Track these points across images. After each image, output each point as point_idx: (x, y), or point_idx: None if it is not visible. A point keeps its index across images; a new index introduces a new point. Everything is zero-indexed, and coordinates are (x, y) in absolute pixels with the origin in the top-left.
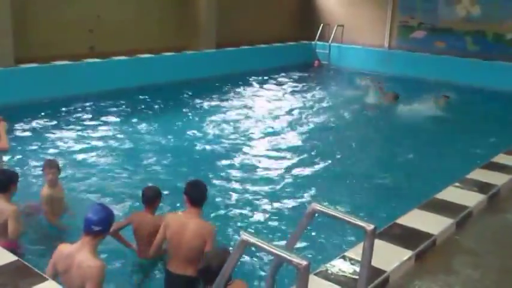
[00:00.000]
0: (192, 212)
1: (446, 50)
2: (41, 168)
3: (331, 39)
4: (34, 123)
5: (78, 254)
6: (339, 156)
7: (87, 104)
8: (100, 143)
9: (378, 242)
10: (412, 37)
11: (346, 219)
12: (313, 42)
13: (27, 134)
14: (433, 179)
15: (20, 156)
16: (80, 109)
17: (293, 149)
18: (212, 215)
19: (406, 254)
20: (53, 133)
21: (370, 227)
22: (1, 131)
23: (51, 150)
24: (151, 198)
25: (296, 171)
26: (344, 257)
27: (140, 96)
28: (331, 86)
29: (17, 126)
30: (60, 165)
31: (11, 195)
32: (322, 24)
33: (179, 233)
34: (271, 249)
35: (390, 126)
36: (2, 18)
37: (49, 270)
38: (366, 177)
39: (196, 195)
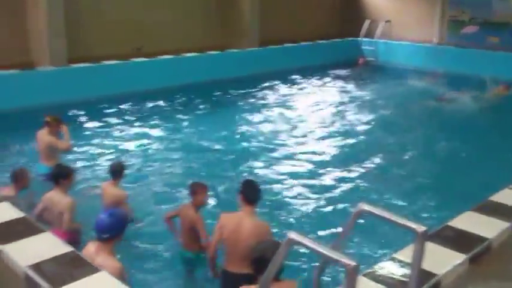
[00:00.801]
0: (247, 211)
1: (501, 45)
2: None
3: (377, 35)
4: (85, 122)
5: (97, 257)
6: (388, 155)
7: (135, 102)
8: (147, 141)
9: (429, 245)
10: (463, 32)
11: (396, 220)
12: (358, 39)
13: (79, 131)
14: (488, 180)
15: (74, 152)
16: (128, 107)
17: (340, 148)
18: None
19: (459, 257)
20: (103, 131)
21: (421, 229)
22: (65, 133)
23: (101, 147)
24: (194, 193)
25: (343, 170)
26: (393, 259)
27: (185, 95)
28: (377, 83)
29: (70, 124)
30: (120, 170)
31: (67, 189)
32: (368, 20)
33: (235, 232)
34: (319, 249)
35: (444, 123)
36: (56, 21)
37: None
38: (418, 176)
39: (252, 194)
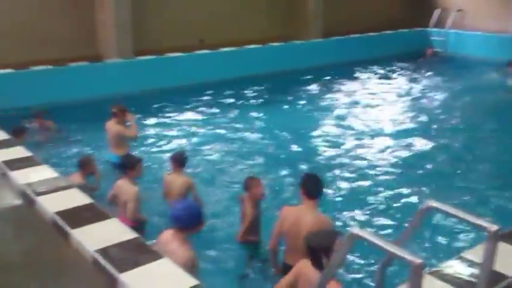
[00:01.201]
0: (309, 205)
1: None
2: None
3: (448, 25)
4: (151, 112)
5: (169, 244)
6: (458, 151)
7: (198, 93)
8: (211, 132)
9: (500, 245)
10: None
11: (466, 218)
12: (427, 29)
13: (146, 122)
14: None
15: (141, 143)
16: (192, 98)
17: (406, 142)
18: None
19: None
20: (167, 121)
21: (493, 228)
22: (132, 121)
23: (165, 137)
24: (247, 188)
25: (409, 165)
26: (461, 258)
27: (248, 86)
28: (445, 75)
29: (136, 114)
30: (185, 159)
31: (135, 178)
32: (438, 9)
33: (296, 225)
34: (383, 245)
35: None
36: (124, 15)
37: None
38: (491, 174)
39: (312, 188)
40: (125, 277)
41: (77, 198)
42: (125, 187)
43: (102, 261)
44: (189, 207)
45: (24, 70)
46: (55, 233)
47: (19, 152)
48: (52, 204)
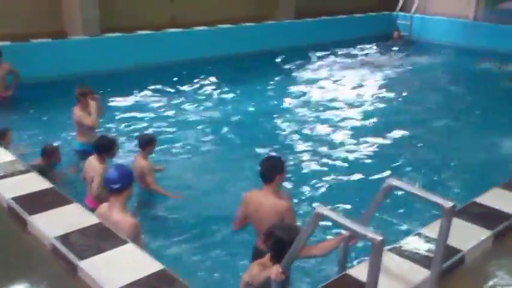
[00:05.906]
0: (266, 189)
1: None
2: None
3: (413, 9)
4: (118, 92)
5: (111, 213)
6: (418, 132)
7: (169, 72)
8: (182, 112)
9: (455, 221)
10: (502, 7)
11: (424, 196)
12: (394, 13)
13: (111, 102)
14: None
15: (106, 125)
16: (161, 78)
17: (369, 124)
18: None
19: (484, 233)
20: (135, 102)
21: (448, 204)
22: (91, 108)
23: (137, 121)
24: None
25: (371, 146)
26: (419, 235)
27: (219, 66)
28: (411, 58)
29: (102, 94)
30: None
31: (105, 158)
32: None
33: (257, 210)
34: (346, 223)
35: (480, 99)
36: None
37: None
38: (446, 154)
39: (264, 171)
40: (86, 264)
41: (36, 183)
42: (93, 163)
43: (62, 248)
44: (119, 167)
45: None
46: (12, 219)
47: None
48: (9, 189)
